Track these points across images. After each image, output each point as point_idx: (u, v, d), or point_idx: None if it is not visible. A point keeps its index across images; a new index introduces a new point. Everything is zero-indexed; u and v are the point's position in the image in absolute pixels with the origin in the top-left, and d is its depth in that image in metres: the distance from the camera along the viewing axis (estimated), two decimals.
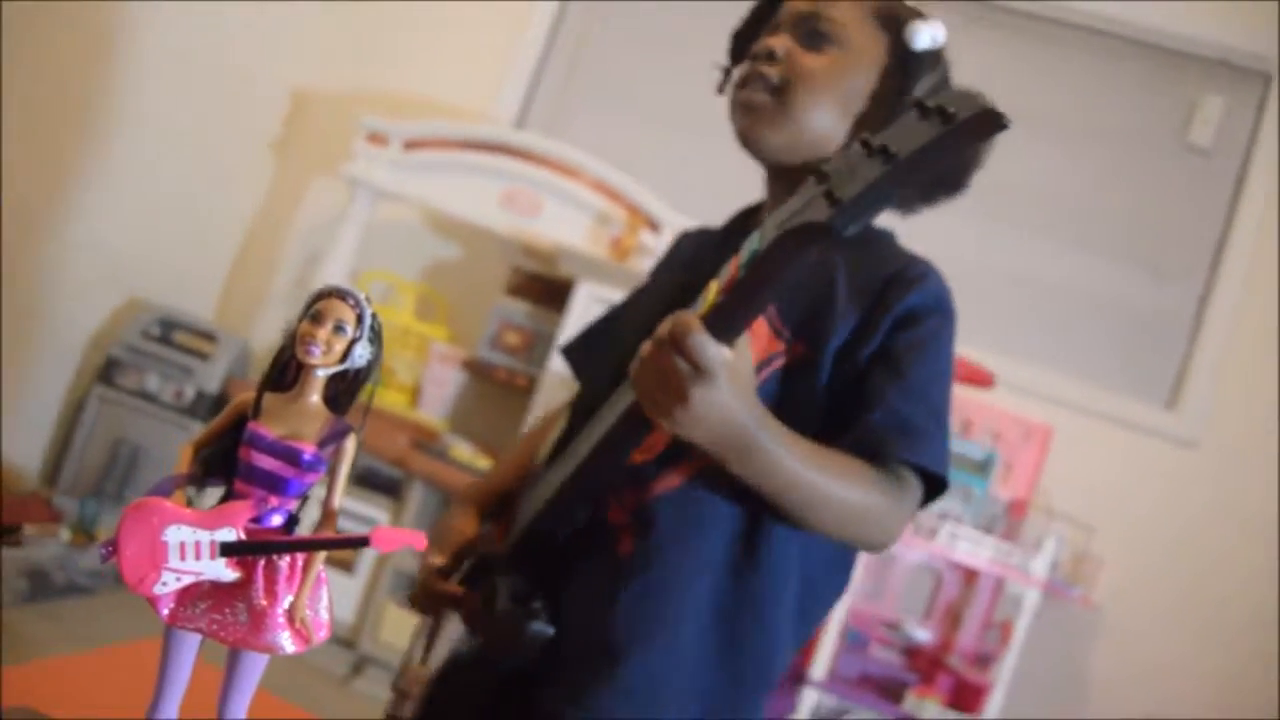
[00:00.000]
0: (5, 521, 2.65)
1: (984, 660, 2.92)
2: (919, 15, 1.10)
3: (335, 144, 3.40)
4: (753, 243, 0.83)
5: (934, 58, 1.11)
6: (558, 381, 2.95)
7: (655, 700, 0.98)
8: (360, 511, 2.95)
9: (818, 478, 0.93)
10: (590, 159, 3.15)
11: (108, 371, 3.17)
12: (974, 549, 2.80)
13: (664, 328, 0.84)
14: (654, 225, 3.07)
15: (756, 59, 1.10)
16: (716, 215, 1.22)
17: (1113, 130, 3.33)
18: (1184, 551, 3.04)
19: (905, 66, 1.10)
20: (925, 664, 2.97)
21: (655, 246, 3.05)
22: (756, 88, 1.09)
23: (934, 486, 1.02)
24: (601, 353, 1.18)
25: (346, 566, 2.97)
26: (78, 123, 2.96)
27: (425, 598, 1.07)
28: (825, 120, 1.09)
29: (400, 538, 0.75)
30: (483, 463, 2.97)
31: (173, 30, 3.16)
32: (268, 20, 3.42)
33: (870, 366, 1.01)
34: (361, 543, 0.75)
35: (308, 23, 3.58)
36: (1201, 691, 2.95)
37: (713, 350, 0.82)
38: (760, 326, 1.02)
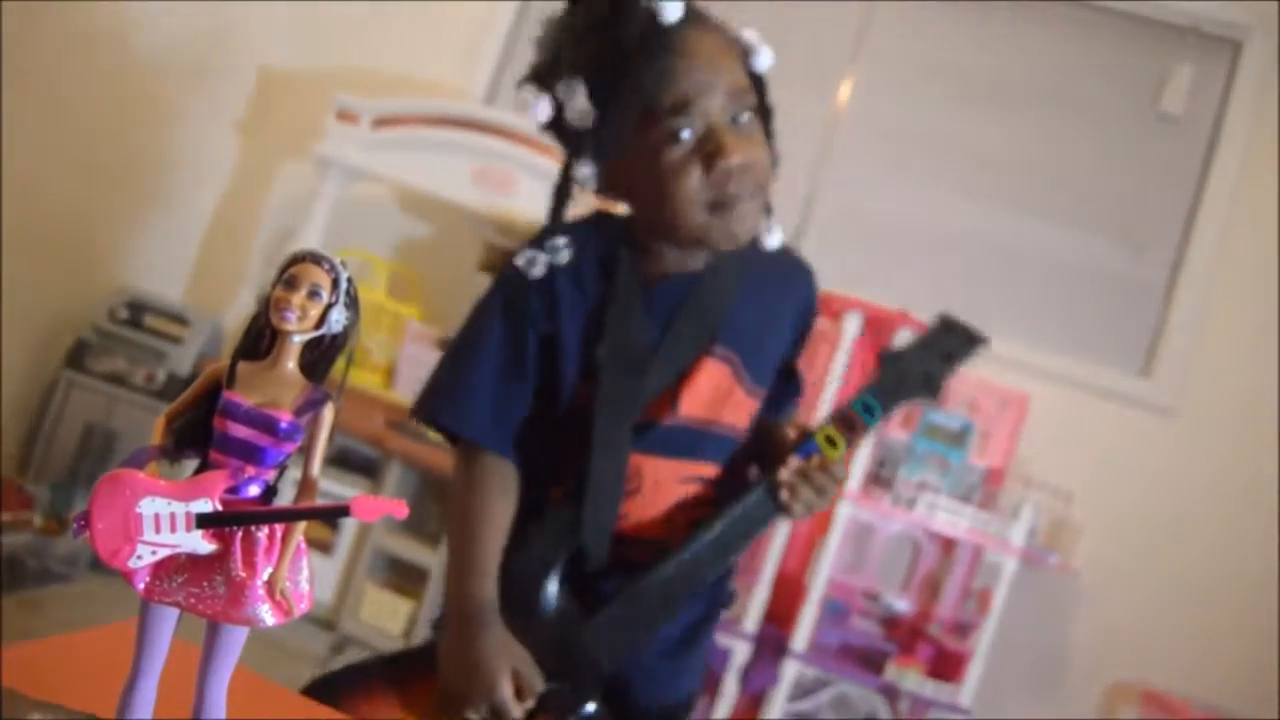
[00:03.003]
0: None
1: (964, 629, 2.93)
2: (742, 33, 1.13)
3: (305, 122, 3.35)
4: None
5: None
6: None
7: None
8: (337, 492, 2.91)
9: None
10: None
11: (77, 355, 3.12)
12: (952, 518, 2.81)
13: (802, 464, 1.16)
14: None
15: (719, 171, 1.09)
16: None
17: (1084, 99, 3.33)
18: (1161, 517, 3.07)
19: (759, 88, 1.14)
20: (905, 634, 2.99)
21: None
22: (747, 203, 1.11)
23: None
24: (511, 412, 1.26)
25: (325, 548, 2.95)
26: (44, 106, 2.91)
27: None
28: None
29: (381, 506, 0.74)
30: None
31: (140, 10, 3.10)
32: None
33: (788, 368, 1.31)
34: (342, 512, 0.73)
35: (274, 1, 3.54)
36: (1180, 655, 2.98)
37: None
38: (741, 396, 1.22)
